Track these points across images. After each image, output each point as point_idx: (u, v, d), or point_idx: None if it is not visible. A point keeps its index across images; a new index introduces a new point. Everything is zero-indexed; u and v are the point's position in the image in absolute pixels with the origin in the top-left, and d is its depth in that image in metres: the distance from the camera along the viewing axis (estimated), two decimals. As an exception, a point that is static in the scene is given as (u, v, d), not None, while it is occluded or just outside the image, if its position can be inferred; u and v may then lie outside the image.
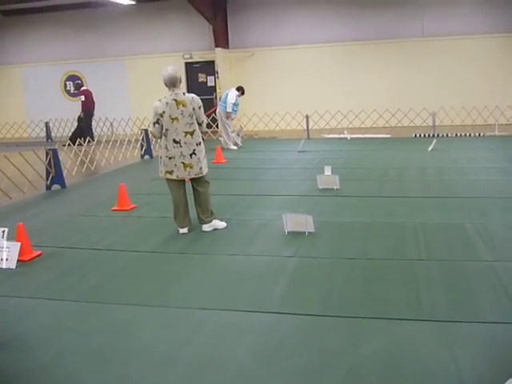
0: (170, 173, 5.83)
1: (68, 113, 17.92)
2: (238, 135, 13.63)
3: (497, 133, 13.71)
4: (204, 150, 5.96)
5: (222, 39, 17.17)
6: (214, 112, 17.40)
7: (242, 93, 13.29)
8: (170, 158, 5.77)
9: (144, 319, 3.83)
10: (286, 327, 3.61)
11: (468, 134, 13.79)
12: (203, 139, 6.00)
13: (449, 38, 15.69)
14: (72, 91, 18.99)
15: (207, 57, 17.61)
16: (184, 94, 5.73)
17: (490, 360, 3.08)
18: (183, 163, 5.76)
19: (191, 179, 5.95)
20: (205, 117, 5.93)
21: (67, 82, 19.24)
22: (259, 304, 3.99)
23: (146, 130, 12.44)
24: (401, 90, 15.99)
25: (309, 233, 5.66)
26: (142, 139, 12.41)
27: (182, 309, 3.96)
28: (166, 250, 5.43)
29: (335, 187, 7.96)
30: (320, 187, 8.02)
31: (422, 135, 13.96)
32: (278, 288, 4.28)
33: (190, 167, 5.78)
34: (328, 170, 8.27)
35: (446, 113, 14.95)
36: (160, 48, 17.77)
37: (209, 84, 18.32)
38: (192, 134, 5.73)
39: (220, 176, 9.38)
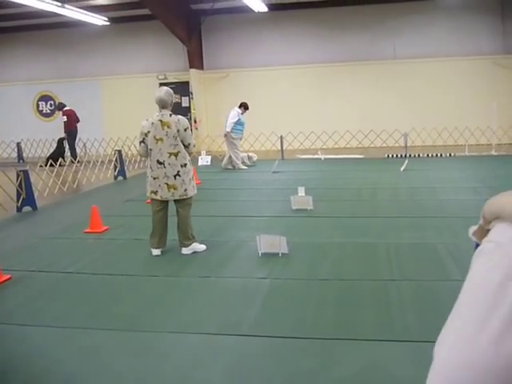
0: (155, 193, 5.83)
1: (40, 133, 17.74)
2: (249, 157, 13.44)
3: (467, 153, 13.97)
4: (191, 173, 5.91)
5: (196, 60, 17.26)
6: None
7: (246, 108, 12.89)
8: (154, 179, 5.78)
9: (115, 344, 3.76)
10: (259, 350, 3.59)
11: (439, 155, 14.03)
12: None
13: (420, 60, 16.03)
14: (45, 112, 18.84)
15: (182, 77, 17.65)
16: (171, 115, 5.72)
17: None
18: (167, 184, 5.75)
19: (175, 200, 5.91)
20: (192, 139, 5.88)
21: (40, 102, 19.08)
22: (233, 327, 3.96)
23: (119, 151, 12.36)
24: (373, 111, 16.23)
25: (282, 254, 5.66)
26: (116, 160, 12.32)
27: (153, 333, 3.91)
28: (139, 272, 5.37)
29: (309, 208, 7.99)
30: (294, 208, 8.04)
31: (395, 155, 14.16)
32: (251, 310, 4.25)
33: (174, 188, 5.77)
34: (302, 191, 8.32)
35: (417, 134, 15.20)
36: (134, 68, 17.78)
37: (183, 105, 18.33)
38: (176, 155, 5.71)
39: (194, 197, 9.33)
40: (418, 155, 14.06)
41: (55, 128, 17.39)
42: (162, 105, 5.72)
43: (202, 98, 17.51)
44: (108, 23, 16.63)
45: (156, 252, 5.94)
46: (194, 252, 5.97)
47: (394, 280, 4.78)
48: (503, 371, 0.51)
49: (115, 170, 12.35)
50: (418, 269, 5.07)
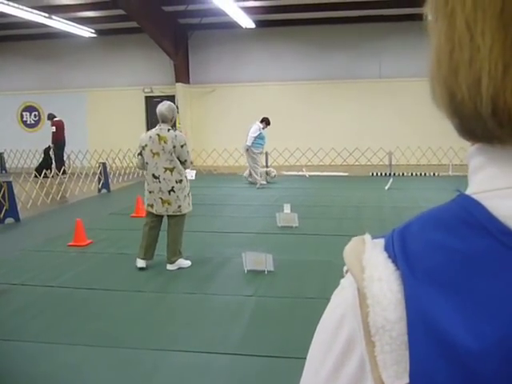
0: (151, 206, 5.83)
1: (24, 144, 17.57)
2: (268, 172, 13.29)
3: (451, 173, 14.12)
4: (187, 189, 5.86)
5: (183, 74, 17.27)
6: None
7: (267, 123, 12.85)
8: (150, 192, 5.81)
9: (99, 361, 3.69)
10: (246, 369, 3.55)
11: (423, 174, 14.15)
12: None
13: (405, 79, 16.20)
14: (29, 122, 18.69)
15: (168, 91, 17.62)
16: (169, 130, 5.71)
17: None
18: (161, 199, 5.74)
19: (168, 216, 5.88)
20: (190, 156, 5.86)
21: (24, 113, 18.91)
22: (219, 345, 3.91)
23: (103, 164, 12.28)
24: (358, 130, 16.33)
25: (268, 271, 5.63)
26: (100, 173, 12.23)
27: (138, 350, 3.85)
28: (123, 287, 5.30)
29: (294, 225, 7.98)
30: (279, 225, 8.03)
31: (379, 174, 14.25)
32: (238, 328, 4.21)
33: (168, 204, 5.75)
34: (287, 208, 8.31)
35: (402, 152, 15.32)
36: (120, 81, 17.73)
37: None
38: (172, 170, 5.69)
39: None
40: (403, 174, 14.17)
41: (39, 139, 17.22)
42: (162, 119, 5.74)
43: (188, 112, 17.50)
44: (95, 35, 16.60)
45: (140, 263, 5.86)
46: (180, 268, 5.92)
47: (380, 299, 4.76)
48: None
49: (99, 183, 12.26)
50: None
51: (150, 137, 5.72)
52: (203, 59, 17.44)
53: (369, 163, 15.32)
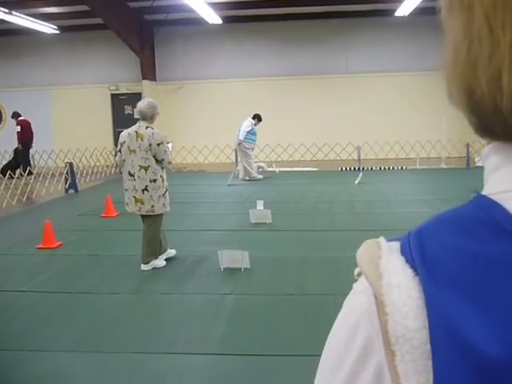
0: (127, 205, 5.75)
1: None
2: (259, 168, 13.34)
3: (418, 166, 14.31)
4: (163, 189, 5.71)
5: (149, 71, 17.06)
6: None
7: (259, 120, 12.99)
8: (126, 190, 5.73)
9: (77, 366, 3.60)
10: (228, 369, 3.50)
11: (391, 168, 14.31)
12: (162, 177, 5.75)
13: (372, 75, 16.37)
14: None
15: (134, 89, 17.40)
16: (147, 127, 5.62)
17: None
18: (135, 197, 5.64)
19: (142, 216, 5.78)
20: (168, 154, 5.71)
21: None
22: (199, 345, 3.86)
23: (70, 164, 12.03)
24: (327, 125, 16.41)
25: (245, 269, 5.59)
26: (67, 173, 11.98)
27: (117, 354, 3.77)
28: (97, 290, 5.18)
29: (267, 221, 7.96)
30: (252, 221, 7.99)
31: (348, 169, 14.35)
32: (216, 328, 4.16)
33: (141, 203, 5.64)
34: (260, 205, 8.28)
35: (370, 147, 15.44)
36: (85, 79, 17.40)
37: (135, 116, 18.02)
38: (146, 169, 5.58)
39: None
40: (371, 168, 14.30)
41: (2, 138, 16.81)
42: (142, 116, 5.71)
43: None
44: (58, 32, 16.25)
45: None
46: (154, 268, 5.83)
47: (358, 294, 4.77)
48: None
49: (66, 183, 12.01)
50: (381, 282, 5.08)
51: (129, 134, 5.65)
52: (170, 56, 17.26)
53: (338, 158, 15.41)
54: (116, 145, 16.71)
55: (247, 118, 13.02)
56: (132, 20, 15.62)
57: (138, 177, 5.60)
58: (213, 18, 14.90)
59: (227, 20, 15.81)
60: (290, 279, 5.33)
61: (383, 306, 0.49)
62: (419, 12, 14.35)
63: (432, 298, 0.47)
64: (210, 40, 16.93)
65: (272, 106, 16.88)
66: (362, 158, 14.55)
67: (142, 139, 5.55)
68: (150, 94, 16.95)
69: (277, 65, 16.86)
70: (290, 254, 6.25)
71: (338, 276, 5.33)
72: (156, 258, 5.88)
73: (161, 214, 5.83)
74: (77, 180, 12.23)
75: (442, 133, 14.66)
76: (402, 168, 14.30)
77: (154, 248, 5.81)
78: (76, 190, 12.07)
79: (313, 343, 3.79)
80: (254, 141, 13.06)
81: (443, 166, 14.36)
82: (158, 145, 5.60)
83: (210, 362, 3.62)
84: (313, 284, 5.15)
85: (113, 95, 17.73)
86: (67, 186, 11.99)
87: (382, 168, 14.32)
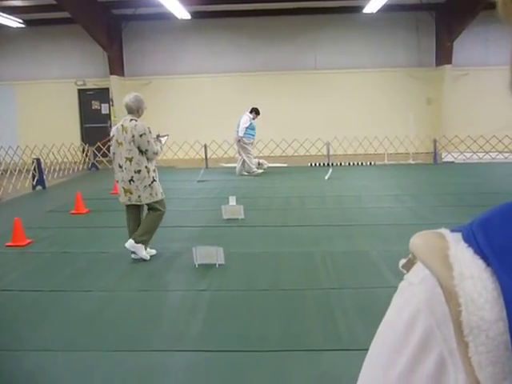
0: (119, 195, 5.99)
1: None
2: (260, 163, 13.22)
3: (386, 162, 14.50)
4: (148, 180, 5.81)
5: (117, 66, 16.84)
6: (110, 141, 17.01)
7: (257, 113, 12.89)
8: (117, 182, 5.99)
9: (52, 366, 3.54)
10: (207, 366, 3.50)
11: (360, 163, 14.47)
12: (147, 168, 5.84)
13: (340, 71, 16.50)
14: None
15: (101, 84, 17.16)
16: (131, 120, 5.80)
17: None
18: (123, 188, 5.86)
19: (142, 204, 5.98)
20: (152, 146, 5.80)
21: None
22: (176, 342, 3.84)
23: (38, 160, 11.81)
24: (296, 121, 16.48)
25: (219, 265, 5.58)
26: (34, 169, 11.76)
27: (94, 352, 3.72)
28: (70, 288, 5.10)
29: (240, 217, 7.96)
30: (225, 217, 7.97)
31: (318, 164, 14.45)
32: (194, 324, 4.15)
33: (130, 193, 5.83)
34: (233, 200, 8.27)
35: (339, 143, 15.56)
36: (52, 74, 17.06)
37: (103, 112, 17.83)
38: (131, 160, 5.76)
39: (119, 207, 9.05)
40: (340, 164, 14.42)
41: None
42: (128, 110, 5.92)
43: (123, 105, 17.07)
44: (24, 26, 15.89)
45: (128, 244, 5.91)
46: (136, 255, 5.82)
47: (334, 288, 4.83)
48: None
49: (33, 180, 11.78)
50: (355, 277, 5.15)
51: (117, 127, 5.88)
52: (138, 51, 17.07)
53: (307, 154, 15.47)
54: (83, 140, 16.63)
55: (245, 113, 12.92)
56: (99, 14, 15.38)
57: (125, 168, 5.80)
58: (182, 13, 14.78)
59: (196, 15, 15.71)
60: (266, 275, 5.34)
61: (456, 297, 0.49)
62: (387, 9, 14.54)
63: (509, 289, 0.47)
64: (179, 35, 16.80)
65: (241, 102, 16.81)
66: (331, 153, 14.67)
67: (125, 132, 5.75)
68: (118, 89, 16.76)
69: (246, 61, 16.86)
70: (263, 250, 6.26)
71: (314, 271, 5.38)
72: (145, 248, 5.91)
73: (151, 204, 5.90)
74: (44, 176, 12.01)
75: (409, 129, 14.88)
76: (370, 164, 14.47)
77: (147, 232, 5.88)
78: (44, 187, 11.85)
79: (291, 338, 3.83)
80: (253, 135, 12.97)
81: (411, 161, 14.59)
82: (141, 136, 5.71)
83: (189, 359, 3.60)
84: (288, 279, 5.17)
85: (80, 90, 17.45)
86: (34, 183, 11.76)
87: (351, 163, 14.47)
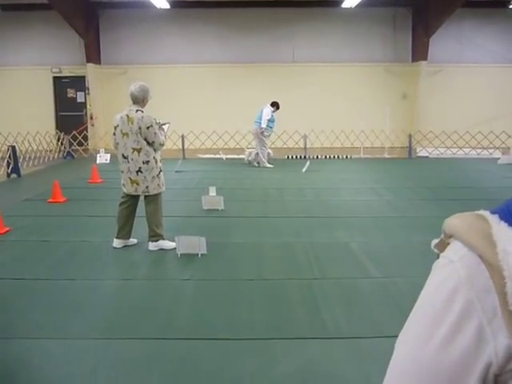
0: (124, 186, 5.91)
1: None
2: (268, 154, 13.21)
3: (362, 155, 14.67)
4: (156, 170, 5.84)
5: (93, 54, 16.64)
6: (86, 129, 16.83)
7: (277, 107, 12.94)
8: (121, 172, 5.88)
9: (42, 353, 3.54)
10: (196, 354, 3.54)
11: (337, 156, 14.61)
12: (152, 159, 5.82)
13: (318, 64, 16.60)
14: None
15: (77, 72, 16.96)
16: (137, 111, 5.72)
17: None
18: (130, 179, 5.81)
19: (144, 195, 5.93)
20: (159, 137, 5.76)
21: None
22: (163, 331, 3.87)
23: (13, 147, 11.63)
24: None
25: (202, 255, 5.62)
26: (9, 156, 11.58)
27: (82, 340, 3.73)
28: (53, 276, 5.07)
29: (220, 208, 8.00)
30: (205, 208, 8.01)
31: (295, 157, 14.54)
32: (179, 313, 4.19)
33: (137, 184, 5.81)
34: (213, 191, 8.30)
35: (316, 135, 15.67)
36: (26, 60, 16.78)
37: (78, 100, 17.63)
38: (139, 151, 5.72)
39: (98, 196, 9.10)
40: (317, 157, 14.54)
41: None
42: (133, 100, 5.79)
43: (99, 93, 16.92)
44: (-2, 11, 15.61)
45: (115, 243, 5.92)
46: (161, 249, 5.84)
47: (316, 279, 4.91)
48: (443, 375, 0.61)
49: (8, 167, 11.61)
50: (337, 267, 5.25)
51: (121, 117, 5.78)
52: (115, 39, 16.89)
53: (285, 146, 15.55)
54: (59, 129, 16.40)
55: (266, 105, 12.93)
56: (76, 1, 15.17)
57: (132, 159, 5.75)
58: (160, 2, 14.68)
59: (175, 5, 15.61)
60: (248, 264, 5.40)
61: (500, 271, 0.56)
62: (366, 4, 14.66)
63: None
64: (157, 24, 16.68)
65: (219, 92, 16.87)
66: (308, 146, 14.77)
67: (131, 123, 5.69)
68: (94, 77, 16.60)
69: (224, 52, 16.83)
70: (245, 240, 6.32)
71: (296, 261, 5.46)
72: (163, 238, 5.93)
73: (159, 194, 5.94)
74: (19, 164, 11.85)
75: (385, 123, 15.07)
76: (347, 157, 14.63)
77: (154, 227, 5.87)
78: (19, 175, 11.69)
79: (277, 327, 3.90)
80: (272, 128, 13.11)
81: (386, 155, 14.78)
82: (148, 128, 5.69)
83: (177, 346, 3.64)
84: (271, 269, 5.24)
85: (55, 78, 17.21)
86: (9, 171, 11.59)
87: (328, 157, 14.60)
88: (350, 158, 14.59)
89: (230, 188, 9.83)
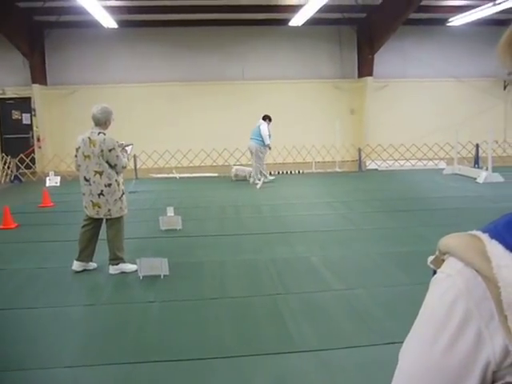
0: (86, 208, 5.80)
1: None
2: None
3: (314, 170, 14.91)
4: (118, 193, 5.76)
5: (39, 75, 16.32)
6: (33, 152, 16.42)
7: (270, 120, 12.83)
8: (83, 194, 5.78)
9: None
10: (166, 376, 3.52)
11: (290, 172, 14.80)
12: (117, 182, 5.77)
13: (267, 82, 16.83)
14: None
15: (22, 93, 16.58)
16: (99, 133, 5.66)
17: (364, 383, 3.34)
18: (92, 201, 5.72)
19: (104, 218, 5.84)
20: (121, 160, 5.71)
21: None
22: (133, 355, 3.83)
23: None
24: (226, 130, 16.57)
25: (164, 276, 5.59)
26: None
27: (43, 370, 3.64)
28: (12, 305, 4.93)
29: (178, 227, 7.97)
30: (162, 228, 7.96)
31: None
32: (147, 336, 4.15)
33: (99, 207, 5.72)
34: (171, 211, 8.26)
35: (268, 152, 15.77)
36: (-32, 82, 16.33)
37: (24, 122, 17.22)
38: (101, 174, 5.65)
39: (51, 221, 8.91)
40: (270, 173, 14.65)
41: None
42: (95, 122, 5.73)
43: (46, 114, 16.60)
44: None
45: (75, 265, 5.80)
46: (122, 272, 5.76)
47: (280, 294, 4.97)
48: (449, 375, 0.69)
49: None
50: (299, 281, 5.32)
51: (83, 139, 5.71)
52: (62, 59, 16.62)
53: (238, 163, 15.61)
54: (4, 152, 15.95)
55: (259, 121, 12.87)
56: (21, 21, 14.88)
57: (94, 181, 5.68)
58: (108, 21, 14.59)
59: (123, 24, 15.52)
60: (212, 283, 5.41)
61: (495, 282, 0.66)
62: (312, 22, 15.00)
63: None
64: (105, 44, 16.55)
65: (170, 111, 16.84)
66: (261, 162, 14.89)
67: (94, 145, 5.63)
68: (41, 98, 16.29)
69: (173, 71, 16.85)
70: (206, 259, 6.32)
71: (258, 278, 5.50)
72: (124, 261, 5.84)
73: (121, 217, 5.86)
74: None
75: (335, 138, 15.39)
76: (299, 172, 14.83)
77: (115, 250, 5.79)
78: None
79: (246, 343, 3.93)
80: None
81: (337, 169, 15.07)
82: (110, 151, 5.64)
83: (144, 370, 3.61)
84: (235, 287, 5.27)
85: (-1, 100, 16.79)
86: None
87: (281, 172, 14.76)
88: (303, 172, 14.80)
89: (187, 207, 9.80)
